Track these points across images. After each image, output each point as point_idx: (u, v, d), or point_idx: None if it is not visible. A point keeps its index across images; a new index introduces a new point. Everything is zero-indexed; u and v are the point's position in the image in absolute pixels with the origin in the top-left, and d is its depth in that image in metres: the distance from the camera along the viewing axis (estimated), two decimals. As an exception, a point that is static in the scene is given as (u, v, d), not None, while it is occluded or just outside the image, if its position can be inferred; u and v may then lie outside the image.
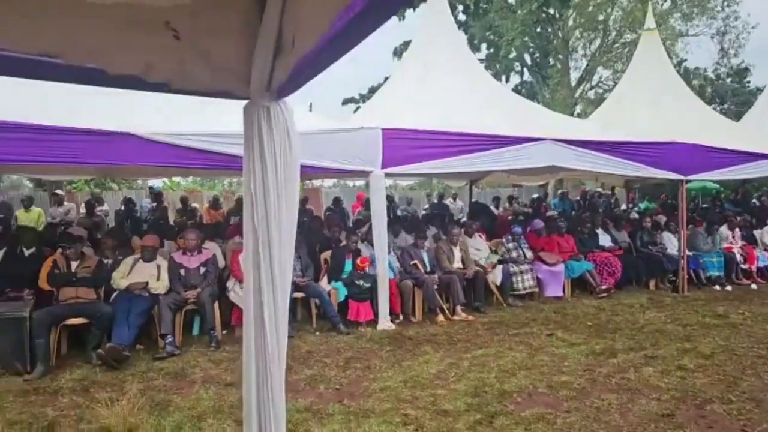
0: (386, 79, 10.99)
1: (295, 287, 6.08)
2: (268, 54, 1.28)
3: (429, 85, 7.06)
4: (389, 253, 6.56)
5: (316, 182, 16.63)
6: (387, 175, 6.07)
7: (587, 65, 24.61)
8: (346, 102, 21.66)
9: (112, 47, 1.24)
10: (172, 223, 9.68)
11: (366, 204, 10.05)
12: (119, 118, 5.00)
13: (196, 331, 5.94)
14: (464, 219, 10.11)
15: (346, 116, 10.64)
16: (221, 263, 6.45)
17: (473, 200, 12.73)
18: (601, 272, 7.91)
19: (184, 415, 3.85)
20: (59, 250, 5.85)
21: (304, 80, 1.29)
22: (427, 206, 15.62)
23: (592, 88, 25.70)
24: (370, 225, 6.57)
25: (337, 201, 12.11)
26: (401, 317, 6.42)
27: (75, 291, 5.23)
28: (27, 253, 6.03)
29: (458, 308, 6.60)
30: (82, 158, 5.05)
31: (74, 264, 5.41)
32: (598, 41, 24.31)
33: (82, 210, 10.59)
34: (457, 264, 7.08)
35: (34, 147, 4.81)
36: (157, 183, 15.67)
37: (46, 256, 5.91)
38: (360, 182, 18.42)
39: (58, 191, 10.87)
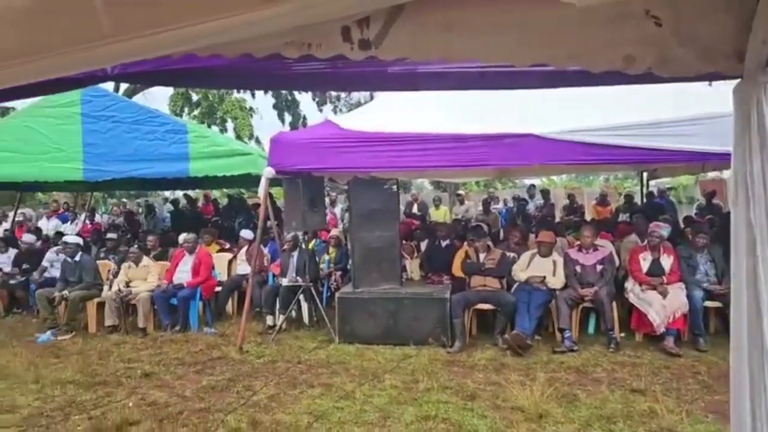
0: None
1: (708, 295, 5.32)
2: (770, 22, 1.08)
3: None
4: None
5: (726, 172, 14.18)
6: None
7: None
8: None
9: (592, 46, 1.26)
10: (558, 220, 9.90)
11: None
12: (520, 121, 5.35)
13: (591, 329, 5.87)
14: None
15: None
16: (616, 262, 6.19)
17: None
18: None
19: (592, 413, 3.83)
20: (466, 242, 6.72)
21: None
22: None
23: None
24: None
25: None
26: None
27: (483, 280, 5.88)
28: (443, 244, 7.15)
29: None
30: (487, 161, 5.62)
31: (482, 255, 6.08)
32: None
33: (479, 208, 11.93)
34: None
35: (447, 153, 5.57)
36: (534, 181, 16.31)
37: (457, 248, 6.87)
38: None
39: (460, 192, 12.58)
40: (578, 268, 5.71)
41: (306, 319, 6.75)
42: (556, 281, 5.71)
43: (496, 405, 4.07)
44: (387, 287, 5.96)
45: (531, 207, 11.10)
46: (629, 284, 5.66)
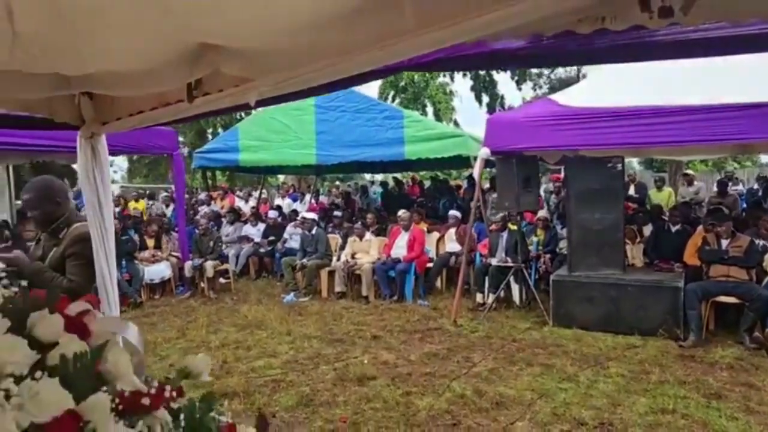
0: None
1: None
2: None
3: None
4: None
5: None
6: None
7: None
8: None
9: None
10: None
11: None
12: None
13: None
14: None
15: None
16: None
17: None
18: None
19: None
20: (702, 227, 6.00)
21: None
22: None
23: None
24: None
25: None
26: None
27: (726, 269, 5.21)
28: (673, 229, 6.49)
29: None
30: (732, 135, 4.91)
31: (724, 242, 5.38)
32: None
33: (713, 189, 10.47)
34: None
35: (684, 127, 5.00)
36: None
37: (689, 233, 6.18)
38: None
39: (688, 171, 11.16)
40: None
41: (516, 299, 6.74)
42: (827, 276, 4.79)
43: (749, 408, 3.62)
44: (608, 272, 5.64)
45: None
46: None
